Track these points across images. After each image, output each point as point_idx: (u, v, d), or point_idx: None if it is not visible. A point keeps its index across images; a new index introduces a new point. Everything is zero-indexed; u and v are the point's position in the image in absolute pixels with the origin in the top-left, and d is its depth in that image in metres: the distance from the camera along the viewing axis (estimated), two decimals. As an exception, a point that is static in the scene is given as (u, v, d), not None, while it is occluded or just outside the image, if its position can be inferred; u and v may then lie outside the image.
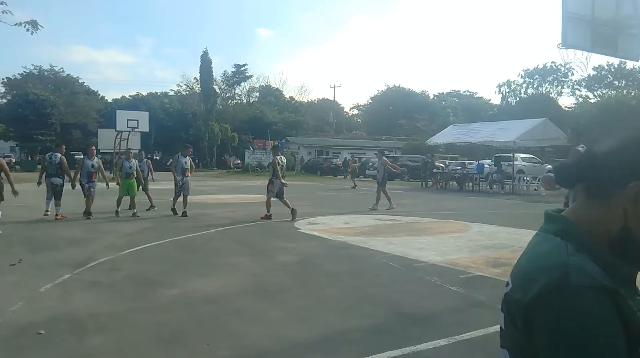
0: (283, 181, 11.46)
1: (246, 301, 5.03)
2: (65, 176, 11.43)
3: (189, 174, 12.37)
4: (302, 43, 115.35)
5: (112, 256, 7.16)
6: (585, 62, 8.27)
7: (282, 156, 12.19)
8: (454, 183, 24.73)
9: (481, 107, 70.89)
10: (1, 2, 11.62)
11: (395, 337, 4.00)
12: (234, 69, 62.77)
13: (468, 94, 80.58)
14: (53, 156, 11.42)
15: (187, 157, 12.52)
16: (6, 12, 11.64)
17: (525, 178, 23.27)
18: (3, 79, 53.23)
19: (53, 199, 11.36)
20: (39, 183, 11.67)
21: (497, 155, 26.65)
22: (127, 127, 27.58)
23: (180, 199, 12.08)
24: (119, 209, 11.73)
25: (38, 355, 3.65)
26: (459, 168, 26.34)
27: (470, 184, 23.45)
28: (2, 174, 9.19)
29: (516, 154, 26.13)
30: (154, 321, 4.41)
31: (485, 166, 26.16)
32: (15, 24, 12.03)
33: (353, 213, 12.98)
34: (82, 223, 10.58)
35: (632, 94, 55.13)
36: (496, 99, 72.97)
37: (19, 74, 53.21)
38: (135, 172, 12.05)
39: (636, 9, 8.87)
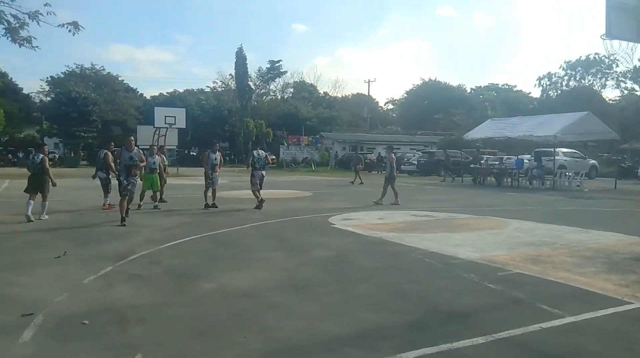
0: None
1: (280, 296, 5.06)
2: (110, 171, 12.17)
3: (218, 170, 12.90)
4: (336, 38, 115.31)
5: (152, 249, 7.34)
6: (631, 53, 7.99)
7: (259, 151, 12.86)
8: (492, 178, 24.21)
9: (520, 101, 69.14)
10: (45, 4, 11.97)
11: (431, 333, 3.95)
12: (268, 65, 63.38)
13: (507, 87, 78.70)
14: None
15: (217, 153, 13.04)
16: (50, 14, 11.98)
17: (567, 174, 22.59)
18: (47, 77, 55.43)
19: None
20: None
21: (537, 150, 25.91)
22: (165, 123, 28.20)
23: (209, 193, 12.71)
24: (142, 203, 12.30)
25: (82, 345, 3.77)
26: (497, 163, 25.73)
27: (509, 179, 22.90)
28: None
29: (557, 149, 25.37)
30: (191, 313, 4.49)
31: (525, 161, 25.50)
32: (58, 25, 12.38)
33: (388, 209, 12.88)
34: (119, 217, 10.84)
35: (682, 85, 52.62)
36: (536, 93, 70.96)
37: (62, 72, 55.35)
38: (158, 167, 12.60)
39: (686, -4, 8.45)
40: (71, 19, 11.84)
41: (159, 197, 13.03)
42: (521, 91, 75.92)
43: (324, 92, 72.98)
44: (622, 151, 34.11)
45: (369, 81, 66.77)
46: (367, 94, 66.76)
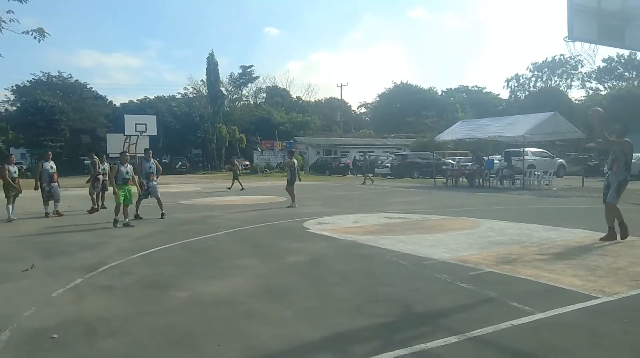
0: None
1: (256, 303, 5.04)
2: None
3: (154, 178, 12.44)
4: (310, 42, 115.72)
5: (123, 260, 7.21)
6: (593, 55, 8.19)
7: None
8: (464, 179, 24.59)
9: (490, 102, 70.57)
10: (8, 11, 11.69)
11: (405, 335, 3.99)
12: (240, 71, 63.29)
13: (476, 89, 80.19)
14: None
15: (152, 160, 12.56)
16: (14, 21, 11.70)
17: (536, 173, 23.10)
18: (12, 86, 53.95)
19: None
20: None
21: (506, 150, 26.44)
22: (136, 131, 27.78)
23: (140, 203, 12.17)
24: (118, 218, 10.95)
25: (51, 360, 3.69)
26: (469, 164, 26.15)
27: (481, 180, 23.30)
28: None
29: (526, 149, 25.91)
30: (164, 323, 4.43)
31: (496, 161, 26.00)
32: (23, 32, 12.09)
33: (362, 212, 12.96)
34: (93, 228, 10.66)
35: (643, 85, 54.45)
36: (505, 94, 72.61)
37: (27, 81, 53.91)
38: (132, 178, 11.46)
39: (644, -1, 8.76)
40: (36, 26, 11.56)
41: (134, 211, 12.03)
42: (490, 92, 77.54)
43: (297, 97, 73.14)
44: (588, 150, 35.03)
45: (341, 85, 67.41)
46: (340, 98, 67.16)
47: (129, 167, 11.47)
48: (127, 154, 11.99)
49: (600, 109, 8.08)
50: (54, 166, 13.23)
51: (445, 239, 8.50)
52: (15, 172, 12.53)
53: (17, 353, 3.81)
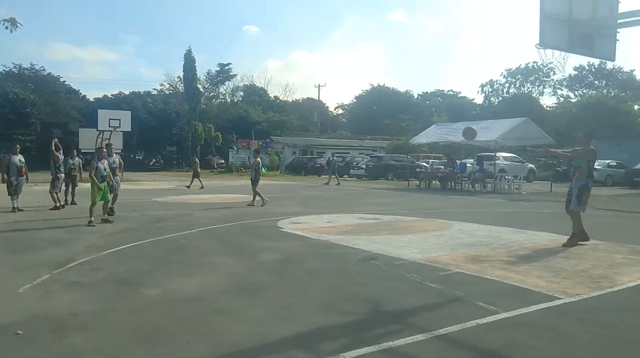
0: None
1: (228, 300, 5.05)
2: None
3: (118, 174, 12.24)
4: (289, 41, 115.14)
5: (93, 256, 7.12)
6: (563, 62, 8.44)
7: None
8: (437, 182, 24.93)
9: (465, 107, 71.69)
10: (-22, 0, 11.41)
11: (374, 333, 4.06)
12: (218, 68, 62.63)
13: (452, 93, 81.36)
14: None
15: (115, 155, 12.29)
16: (-16, 10, 11.45)
17: (506, 177, 23.58)
18: (-19, 78, 52.36)
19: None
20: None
21: (479, 154, 26.95)
22: (109, 126, 27.33)
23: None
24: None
25: (16, 355, 3.64)
26: (442, 167, 26.54)
27: (453, 183, 23.66)
28: None
29: (498, 154, 26.45)
30: (134, 320, 4.41)
31: (468, 165, 26.45)
32: (-6, 22, 11.82)
33: (337, 212, 13.04)
34: (63, 224, 10.47)
35: (612, 94, 56.14)
36: (479, 99, 73.85)
37: (-2, 72, 52.34)
38: (109, 174, 10.98)
39: (612, 11, 9.06)
40: (8, 16, 11.31)
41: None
42: (465, 97, 78.82)
43: (274, 96, 72.87)
44: (553, 156, 35.89)
45: (319, 86, 67.42)
46: (317, 98, 67.23)
47: (106, 163, 11.11)
48: (104, 150, 11.65)
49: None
50: (23, 160, 12.92)
51: (416, 240, 8.64)
52: None
53: (-18, 348, 3.75)
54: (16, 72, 52.85)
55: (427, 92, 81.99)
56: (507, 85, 70.05)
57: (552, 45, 7.58)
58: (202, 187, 21.95)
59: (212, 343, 3.86)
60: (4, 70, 52.54)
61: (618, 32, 9.08)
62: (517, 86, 69.38)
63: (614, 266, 6.56)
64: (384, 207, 14.60)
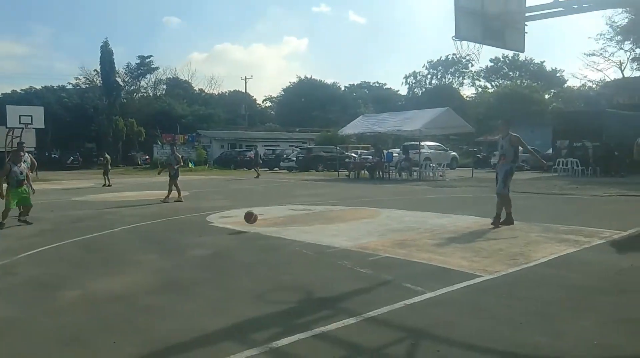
0: None
1: (156, 298, 4.90)
2: None
3: (31, 173, 11.45)
4: (212, 33, 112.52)
5: (7, 260, 6.65)
6: (478, 54, 8.89)
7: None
8: (365, 172, 25.48)
9: (390, 98, 73.55)
10: None
11: (306, 319, 4.10)
12: (138, 61, 60.12)
13: (377, 85, 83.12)
14: None
15: (26, 154, 11.11)
16: None
17: (431, 165, 24.51)
18: None
19: None
20: None
21: (405, 144, 27.81)
22: (20, 123, 25.49)
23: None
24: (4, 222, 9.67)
25: None
26: (370, 157, 27.14)
27: (380, 172, 24.27)
28: None
29: (423, 143, 27.42)
30: (53, 324, 4.18)
31: (395, 154, 27.23)
32: None
33: (267, 205, 12.98)
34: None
35: (525, 83, 59.74)
36: (404, 90, 76.03)
37: None
38: (26, 177, 10.16)
39: (520, 5, 9.65)
40: None
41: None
42: (391, 88, 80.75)
43: (199, 89, 71.12)
44: (478, 144, 37.82)
45: (245, 78, 66.54)
46: (244, 91, 66.42)
47: (23, 166, 10.14)
48: (21, 153, 10.41)
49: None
50: None
51: (346, 228, 8.79)
52: None
53: None
54: None
55: (353, 85, 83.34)
56: (429, 77, 72.58)
57: (467, 37, 7.96)
58: (109, 185, 21.19)
59: (140, 341, 3.73)
60: None
61: (526, 25, 9.68)
62: (438, 77, 72.08)
63: (529, 244, 7.01)
64: (315, 198, 14.72)
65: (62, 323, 4.21)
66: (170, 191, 14.39)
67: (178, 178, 14.71)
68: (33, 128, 26.87)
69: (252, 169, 27.97)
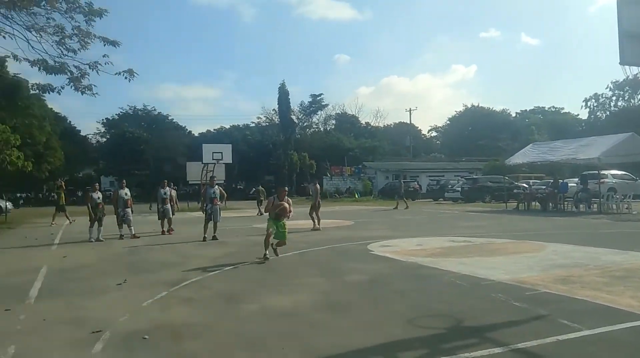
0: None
1: (318, 315, 5.54)
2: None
3: (218, 203, 13.49)
4: (379, 67, 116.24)
5: (201, 276, 7.99)
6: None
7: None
8: (537, 203, 23.91)
9: (568, 124, 67.64)
10: (104, 55, 13.34)
11: (452, 345, 4.32)
12: (310, 99, 65.10)
13: (553, 109, 77.39)
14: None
15: (216, 187, 13.77)
16: (108, 63, 13.33)
17: (615, 196, 22.05)
18: (103, 119, 58.95)
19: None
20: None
21: (583, 173, 25.43)
22: (213, 159, 29.42)
23: (210, 225, 13.26)
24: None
25: (145, 355, 4.38)
26: (543, 187, 25.39)
27: (554, 204, 22.58)
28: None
29: (607, 172, 24.84)
30: (237, 330, 5.04)
31: (571, 184, 25.09)
32: (116, 74, 13.68)
33: (427, 236, 13.15)
34: (171, 249, 11.66)
35: None
36: (584, 114, 69.33)
37: (116, 114, 58.75)
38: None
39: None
40: (122, 61, 13.19)
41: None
42: (569, 113, 74.47)
43: (365, 123, 73.97)
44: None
45: (410, 110, 67.14)
46: (409, 122, 67.14)
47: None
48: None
49: None
50: (129, 193, 14.53)
51: (506, 261, 8.61)
52: (99, 198, 13.98)
53: (116, 349, 4.54)
54: (131, 113, 58.86)
55: (526, 110, 78.76)
56: (614, 98, 65.08)
57: (633, 62, 7.39)
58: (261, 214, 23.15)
59: (304, 350, 4.35)
60: (121, 112, 58.77)
61: None
62: (626, 98, 64.28)
63: None
64: (477, 230, 14.44)
65: (243, 330, 5.05)
66: (319, 219, 16.02)
67: (318, 209, 16.27)
68: (223, 163, 30.75)
69: (395, 200, 27.96)
